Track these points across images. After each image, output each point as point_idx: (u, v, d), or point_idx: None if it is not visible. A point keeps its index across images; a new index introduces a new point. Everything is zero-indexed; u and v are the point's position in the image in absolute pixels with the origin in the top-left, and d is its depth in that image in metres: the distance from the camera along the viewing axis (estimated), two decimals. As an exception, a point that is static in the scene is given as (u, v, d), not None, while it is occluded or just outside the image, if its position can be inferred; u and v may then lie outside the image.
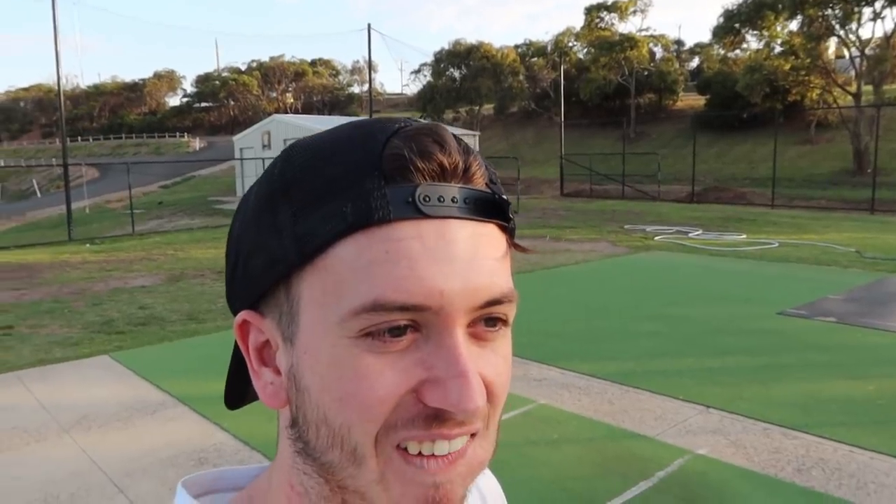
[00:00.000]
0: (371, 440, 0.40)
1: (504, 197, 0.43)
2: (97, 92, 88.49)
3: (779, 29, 32.46)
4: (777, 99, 31.19)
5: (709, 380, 5.30)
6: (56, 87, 17.98)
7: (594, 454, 4.08)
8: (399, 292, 0.39)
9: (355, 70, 78.67)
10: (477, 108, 48.56)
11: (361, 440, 0.40)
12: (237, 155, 29.33)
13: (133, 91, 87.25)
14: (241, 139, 30.50)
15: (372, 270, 0.39)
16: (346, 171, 0.40)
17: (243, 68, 78.78)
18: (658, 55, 44.88)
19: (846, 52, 31.42)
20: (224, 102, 76.61)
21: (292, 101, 73.82)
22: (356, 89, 77.30)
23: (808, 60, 29.92)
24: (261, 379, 0.45)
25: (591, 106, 43.21)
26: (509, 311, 0.43)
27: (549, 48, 47.24)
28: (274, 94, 74.18)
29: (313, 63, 77.36)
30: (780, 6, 30.76)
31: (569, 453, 4.10)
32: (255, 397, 0.50)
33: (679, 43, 52.92)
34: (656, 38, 44.85)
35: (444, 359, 0.40)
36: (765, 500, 3.52)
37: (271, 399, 0.45)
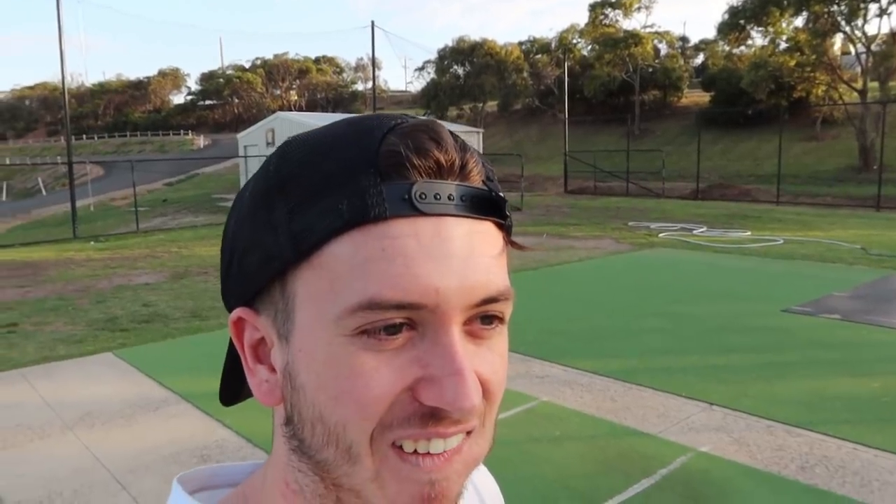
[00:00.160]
0: (366, 438, 0.40)
1: (501, 194, 0.43)
2: (102, 90, 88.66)
3: (784, 25, 32.29)
4: (782, 95, 31.05)
5: (712, 377, 5.29)
6: (61, 86, 18.00)
7: (596, 451, 4.08)
8: (395, 290, 0.38)
9: (359, 67, 78.62)
10: (481, 105, 48.49)
11: (356, 438, 0.40)
12: (241, 152, 29.35)
13: (137, 89, 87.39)
14: (245, 137, 30.52)
15: (368, 268, 0.39)
16: (342, 167, 0.40)
17: (247, 66, 78.85)
18: (663, 52, 44.68)
19: (852, 49, 31.26)
20: (228, 100, 76.72)
21: (296, 98, 73.86)
22: (360, 87, 77.33)
23: (814, 57, 29.78)
24: (256, 376, 0.45)
25: (595, 103, 43.10)
26: (506, 308, 0.43)
27: (553, 45, 47.10)
28: (278, 92, 74.24)
29: (317, 60, 77.38)
30: (785, 2, 30.60)
31: (571, 451, 4.10)
32: (250, 394, 0.50)
33: (684, 39, 52.71)
34: (661, 35, 44.66)
35: (440, 357, 0.40)
36: (768, 498, 3.51)
37: (266, 397, 0.45)
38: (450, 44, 50.40)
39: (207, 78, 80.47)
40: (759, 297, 7.96)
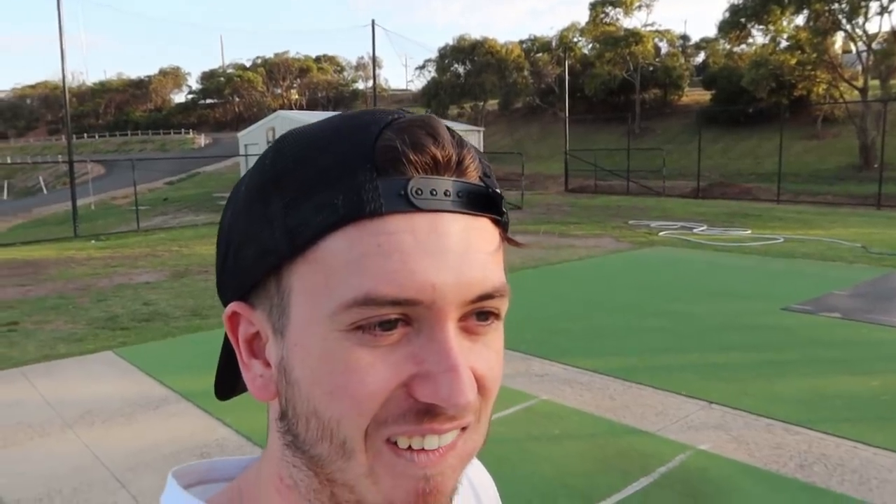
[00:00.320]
0: (361, 434, 0.40)
1: (497, 190, 0.43)
2: (103, 89, 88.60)
3: (785, 23, 32.26)
4: (783, 94, 31.02)
5: (712, 376, 5.29)
6: (62, 85, 18.00)
7: (595, 450, 4.08)
8: (391, 286, 0.38)
9: (360, 66, 78.53)
10: (481, 103, 48.47)
11: (351, 434, 0.40)
12: (242, 151, 29.37)
13: (138, 88, 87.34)
14: (245, 136, 30.54)
15: (363, 264, 0.39)
16: (338, 162, 0.40)
17: (248, 65, 78.80)
18: (663, 50, 44.64)
19: (853, 47, 31.23)
20: (229, 99, 76.66)
21: (297, 97, 73.82)
22: (361, 85, 77.25)
23: (815, 55, 29.76)
24: (250, 371, 0.45)
25: (595, 101, 43.07)
26: (501, 305, 0.43)
27: (553, 43, 47.06)
28: (279, 91, 74.20)
29: (318, 59, 77.32)
30: (786, 0, 30.58)
31: (570, 449, 4.10)
32: (245, 388, 0.50)
33: (685, 38, 52.61)
34: (661, 34, 44.60)
35: (436, 353, 0.40)
36: (766, 496, 3.51)
37: (260, 391, 0.45)
38: (450, 42, 50.43)
39: (208, 77, 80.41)
40: (759, 296, 7.96)
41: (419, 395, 0.40)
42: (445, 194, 0.40)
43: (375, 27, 29.14)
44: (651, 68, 42.53)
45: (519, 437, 4.23)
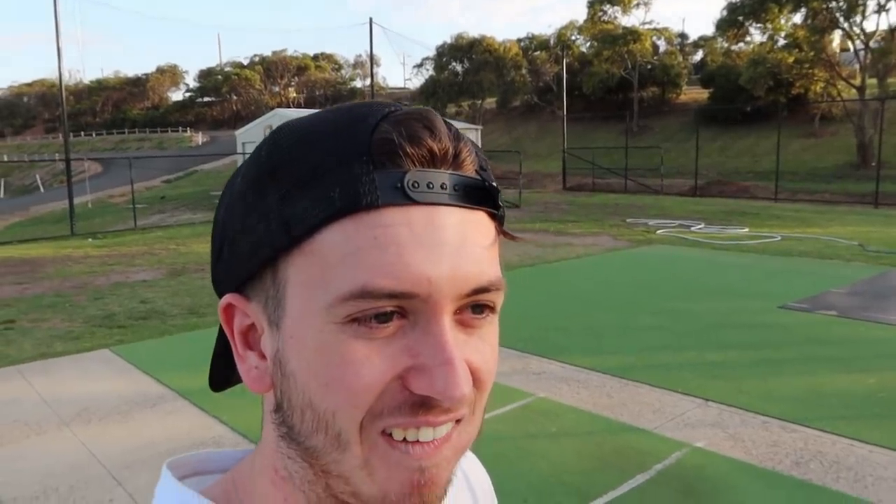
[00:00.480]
0: (356, 426, 0.40)
1: (494, 184, 0.43)
2: (100, 87, 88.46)
3: (783, 22, 32.31)
4: (781, 92, 31.06)
5: (709, 373, 5.30)
6: (58, 83, 17.95)
7: (592, 447, 4.08)
8: (387, 279, 0.38)
9: (358, 64, 78.47)
10: (479, 101, 48.44)
11: (346, 426, 0.40)
12: (239, 149, 29.36)
13: (136, 86, 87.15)
14: (243, 133, 30.54)
15: (360, 256, 0.39)
16: (334, 155, 0.40)
17: (246, 63, 78.70)
18: (661, 48, 44.67)
19: (850, 45, 31.26)
20: (227, 97, 76.54)
21: (295, 95, 73.74)
22: (359, 83, 77.18)
23: (812, 53, 29.80)
24: (245, 363, 0.45)
25: (593, 100, 43.08)
26: (497, 298, 0.43)
27: (551, 42, 47.02)
28: (276, 89, 74.10)
29: (316, 57, 77.23)
30: (783, -1, 30.62)
31: (567, 446, 4.11)
32: (239, 380, 0.50)
33: (683, 36, 52.61)
34: (660, 32, 44.62)
35: (431, 346, 0.40)
36: (762, 493, 3.52)
37: (255, 383, 0.45)
38: (448, 41, 50.36)
39: (206, 75, 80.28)
40: (756, 294, 7.97)
41: (414, 387, 0.40)
42: (442, 187, 0.40)
43: (373, 25, 29.10)
44: (649, 66, 42.55)
45: (516, 434, 4.23)
